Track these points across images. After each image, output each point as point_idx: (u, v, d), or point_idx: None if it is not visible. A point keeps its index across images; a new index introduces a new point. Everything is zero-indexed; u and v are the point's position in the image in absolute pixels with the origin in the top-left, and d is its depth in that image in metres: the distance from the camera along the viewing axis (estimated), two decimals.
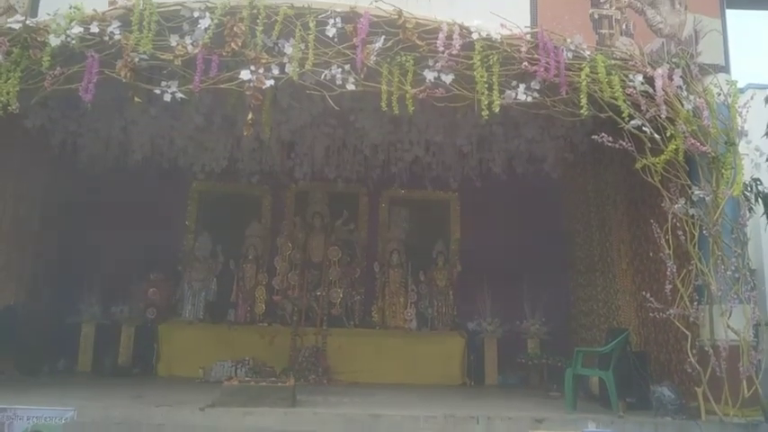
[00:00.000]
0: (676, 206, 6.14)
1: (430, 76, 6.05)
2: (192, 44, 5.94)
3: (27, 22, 6.11)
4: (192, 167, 10.32)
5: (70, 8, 6.02)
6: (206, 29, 5.90)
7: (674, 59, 6.44)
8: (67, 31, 5.89)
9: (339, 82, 6.00)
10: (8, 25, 6.12)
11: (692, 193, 6.15)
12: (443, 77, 6.04)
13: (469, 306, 10.56)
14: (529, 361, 9.80)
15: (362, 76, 6.02)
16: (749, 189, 8.24)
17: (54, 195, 9.86)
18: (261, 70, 5.94)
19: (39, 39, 6.00)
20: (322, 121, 8.71)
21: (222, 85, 6.00)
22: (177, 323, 10.13)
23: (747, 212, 6.40)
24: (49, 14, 6.11)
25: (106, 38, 5.95)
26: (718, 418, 5.82)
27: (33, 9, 6.51)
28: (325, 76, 6.01)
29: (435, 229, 11.32)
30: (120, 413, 5.91)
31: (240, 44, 5.92)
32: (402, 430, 5.71)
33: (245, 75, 5.90)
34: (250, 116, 6.01)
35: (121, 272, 10.03)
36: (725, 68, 6.66)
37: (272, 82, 5.96)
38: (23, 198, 9.39)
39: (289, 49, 5.98)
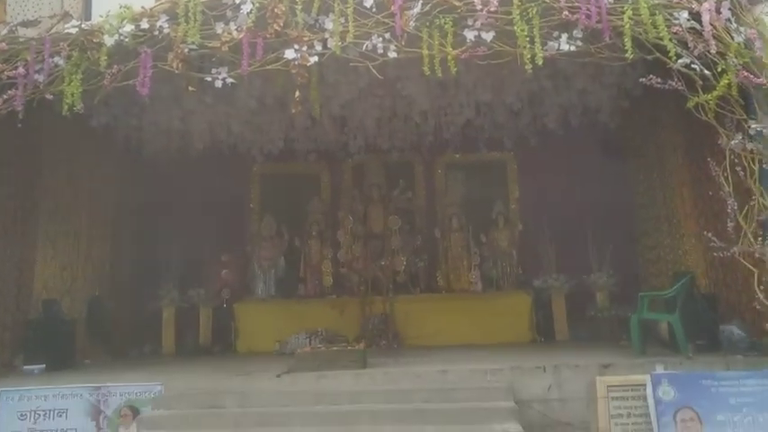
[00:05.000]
0: (733, 142, 6.00)
1: (470, 35, 6.08)
2: (236, 30, 6.17)
3: (82, 25, 6.46)
4: (251, 151, 10.69)
5: (120, 8, 6.33)
6: (248, 13, 6.10)
7: None
8: (120, 30, 6.21)
9: (381, 51, 6.12)
10: (66, 30, 6.49)
11: (749, 127, 5.98)
12: (484, 35, 6.07)
13: (534, 264, 10.60)
14: (598, 314, 9.76)
15: (403, 43, 6.11)
16: None
17: (124, 190, 10.42)
18: (304, 48, 6.12)
19: (95, 40, 6.34)
20: (369, 92, 8.80)
21: (269, 67, 6.21)
22: (251, 301, 10.57)
23: None
24: (101, 16, 6.46)
25: (156, 32, 6.26)
26: None
27: (87, 13, 6.86)
28: (367, 46, 6.13)
29: (493, 190, 11.35)
30: (204, 384, 6.32)
31: (282, 24, 6.10)
32: (469, 383, 5.89)
33: (289, 54, 6.09)
34: (297, 93, 6.23)
35: (195, 257, 10.57)
36: None
37: (316, 58, 6.13)
38: (97, 195, 9.94)
39: (329, 25, 6.13)
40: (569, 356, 6.83)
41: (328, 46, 6.14)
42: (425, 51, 6.09)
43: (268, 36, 6.12)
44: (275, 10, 6.09)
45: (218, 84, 6.28)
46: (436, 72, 6.08)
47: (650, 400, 5.48)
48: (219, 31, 6.18)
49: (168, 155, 10.30)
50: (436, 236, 10.96)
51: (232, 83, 6.37)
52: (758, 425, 5.31)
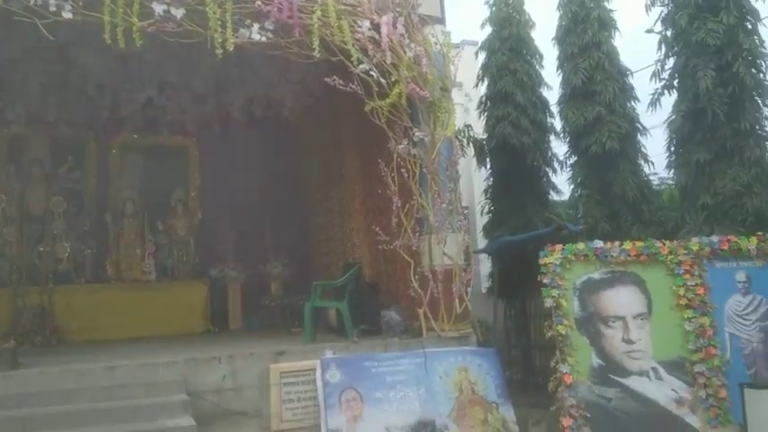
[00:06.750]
0: (400, 146, 6.68)
1: (159, 8, 5.74)
2: None
3: None
4: None
5: None
6: None
7: (397, 8, 6.85)
8: None
9: (54, 9, 5.42)
10: None
11: (414, 134, 6.71)
12: (173, 11, 5.78)
13: (212, 253, 10.50)
14: (272, 302, 10.04)
15: (81, 4, 5.50)
16: (463, 134, 9.26)
17: None
18: None
19: None
20: (36, 55, 7.75)
21: None
22: None
23: (459, 152, 7.18)
24: None
25: None
26: (435, 334, 6.57)
27: None
28: (36, 1, 5.37)
29: (173, 176, 10.92)
30: None
31: None
32: (140, 378, 5.54)
33: None
34: None
35: None
36: (441, 20, 7.31)
37: None
38: None
39: None
40: (245, 346, 6.86)
41: None
42: (107, 18, 5.57)
43: None
44: None
45: None
46: (118, 43, 5.61)
47: (319, 384, 5.78)
48: None
49: None
50: (107, 221, 10.17)
51: None
52: (408, 399, 5.95)
